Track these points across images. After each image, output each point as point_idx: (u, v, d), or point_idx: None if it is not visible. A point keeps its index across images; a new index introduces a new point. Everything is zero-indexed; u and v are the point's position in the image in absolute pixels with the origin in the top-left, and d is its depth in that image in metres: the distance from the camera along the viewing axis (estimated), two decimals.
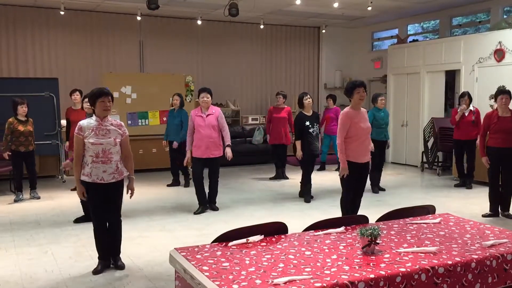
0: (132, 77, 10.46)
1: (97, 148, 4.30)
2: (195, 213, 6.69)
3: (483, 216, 6.45)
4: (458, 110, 8.28)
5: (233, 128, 11.75)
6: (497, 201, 6.46)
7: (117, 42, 11.28)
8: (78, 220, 6.17)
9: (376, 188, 8.14)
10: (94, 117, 4.40)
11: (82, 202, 6.07)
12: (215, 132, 6.58)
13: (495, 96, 6.46)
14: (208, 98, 6.60)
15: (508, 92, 6.41)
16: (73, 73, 10.86)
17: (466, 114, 8.27)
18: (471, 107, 8.36)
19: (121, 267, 4.58)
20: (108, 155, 4.33)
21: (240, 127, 11.89)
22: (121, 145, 4.46)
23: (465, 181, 8.49)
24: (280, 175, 9.41)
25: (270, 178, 9.43)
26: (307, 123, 7.20)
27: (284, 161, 9.51)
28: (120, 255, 4.67)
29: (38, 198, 7.69)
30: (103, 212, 4.49)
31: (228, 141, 6.67)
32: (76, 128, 4.38)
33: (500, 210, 6.51)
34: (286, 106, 9.42)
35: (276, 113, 9.26)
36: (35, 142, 7.69)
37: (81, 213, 6.24)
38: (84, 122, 4.39)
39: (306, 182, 7.45)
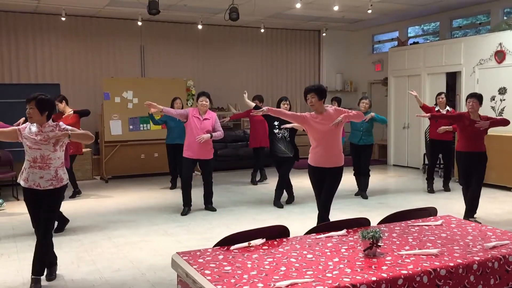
0: (133, 82, 10.47)
1: (35, 152, 4.11)
2: (182, 215, 6.81)
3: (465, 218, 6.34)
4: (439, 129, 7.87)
5: (234, 132, 11.76)
6: None
7: (118, 47, 11.32)
8: (57, 230, 5.94)
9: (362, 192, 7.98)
10: (35, 124, 4.18)
11: None
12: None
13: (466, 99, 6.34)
14: (207, 102, 6.76)
15: (477, 96, 6.27)
16: (75, 78, 10.91)
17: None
18: (447, 108, 8.35)
19: None
20: (47, 160, 4.13)
21: (242, 131, 11.87)
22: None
23: (445, 183, 8.50)
24: (265, 176, 9.62)
25: (258, 181, 9.51)
26: (276, 123, 7.12)
27: (263, 164, 9.53)
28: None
29: None
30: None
31: (215, 135, 6.71)
32: (21, 126, 4.23)
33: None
34: None
35: (255, 116, 9.14)
36: None
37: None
38: (27, 127, 4.20)
39: (277, 187, 7.46)
